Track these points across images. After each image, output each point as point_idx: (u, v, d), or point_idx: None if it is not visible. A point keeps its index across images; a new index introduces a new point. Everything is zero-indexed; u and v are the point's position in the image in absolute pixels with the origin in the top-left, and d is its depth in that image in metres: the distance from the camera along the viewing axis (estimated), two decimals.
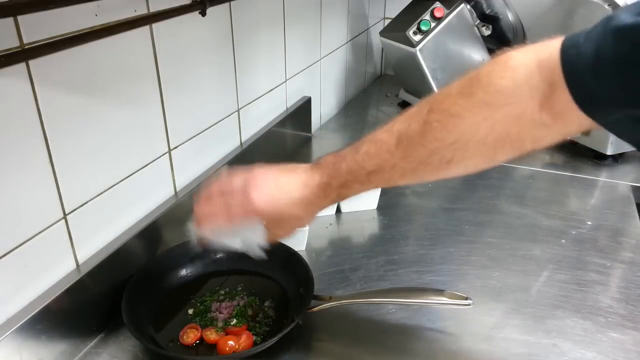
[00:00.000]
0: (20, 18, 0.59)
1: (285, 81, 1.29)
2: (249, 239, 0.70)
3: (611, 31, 0.45)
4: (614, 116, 0.48)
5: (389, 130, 0.61)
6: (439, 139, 0.56)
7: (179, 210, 0.92)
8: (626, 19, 0.44)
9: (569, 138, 0.56)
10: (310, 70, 1.42)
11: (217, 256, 0.90)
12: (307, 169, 0.67)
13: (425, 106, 0.58)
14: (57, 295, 0.69)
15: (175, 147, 0.92)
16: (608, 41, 0.45)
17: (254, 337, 0.76)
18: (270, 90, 1.23)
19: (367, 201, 1.09)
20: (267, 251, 0.75)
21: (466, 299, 0.76)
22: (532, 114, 0.52)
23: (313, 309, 0.77)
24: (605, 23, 0.47)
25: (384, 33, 1.57)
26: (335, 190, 0.65)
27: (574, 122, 0.51)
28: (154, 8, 0.79)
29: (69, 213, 0.72)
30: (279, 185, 0.67)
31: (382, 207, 1.10)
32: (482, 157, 0.58)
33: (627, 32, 0.44)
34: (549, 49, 0.51)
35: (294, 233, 0.71)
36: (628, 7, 0.46)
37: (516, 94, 0.52)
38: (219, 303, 0.82)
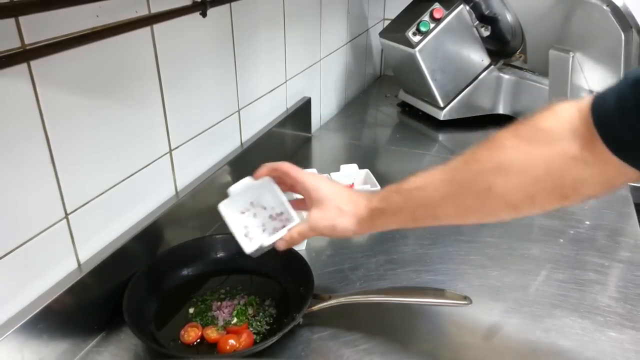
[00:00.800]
0: (21, 19, 0.60)
1: (285, 82, 1.29)
2: (290, 207, 0.75)
3: (631, 82, 0.50)
4: None
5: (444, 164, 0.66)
6: (481, 161, 0.61)
7: (180, 210, 0.92)
8: None
9: (615, 189, 0.59)
10: (310, 70, 1.42)
11: (218, 255, 0.91)
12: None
13: (479, 143, 0.63)
14: (58, 294, 0.69)
15: (176, 147, 0.92)
16: (628, 90, 0.50)
17: (255, 336, 0.76)
18: (271, 90, 1.23)
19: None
20: (268, 253, 0.76)
21: (465, 298, 0.77)
22: (574, 152, 0.55)
23: (313, 308, 0.77)
24: (626, 75, 0.52)
25: (383, 34, 1.57)
26: (377, 197, 0.70)
27: (613, 166, 0.53)
28: (155, 9, 0.79)
29: (71, 213, 0.72)
30: (342, 186, 0.76)
31: None
32: (524, 191, 0.58)
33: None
34: (587, 99, 0.55)
35: (327, 229, 0.72)
36: None
37: (558, 133, 0.56)
38: (219, 302, 0.82)
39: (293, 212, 0.75)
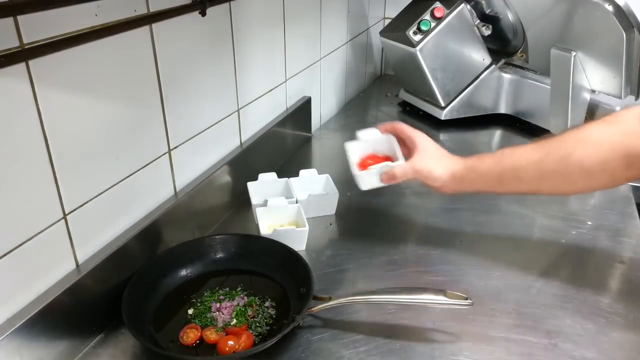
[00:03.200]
0: (20, 18, 0.59)
1: (285, 81, 1.29)
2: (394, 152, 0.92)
3: None
4: None
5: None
6: (566, 135, 0.78)
7: (179, 211, 0.92)
8: None
9: None
10: (310, 70, 1.42)
11: (217, 256, 0.90)
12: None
13: None
14: (57, 295, 0.69)
15: (175, 147, 0.91)
16: None
17: (254, 337, 0.76)
18: (270, 90, 1.23)
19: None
20: (268, 253, 0.76)
21: (466, 299, 0.76)
22: None
23: (313, 309, 0.77)
24: None
25: (384, 33, 1.57)
26: (472, 158, 0.86)
27: None
28: (153, 8, 0.78)
29: (69, 213, 0.72)
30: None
31: (382, 207, 1.10)
32: (598, 158, 0.73)
33: None
34: None
35: (425, 173, 0.88)
36: None
37: (631, 118, 0.74)
38: (218, 303, 0.82)
39: (401, 157, 0.90)
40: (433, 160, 0.88)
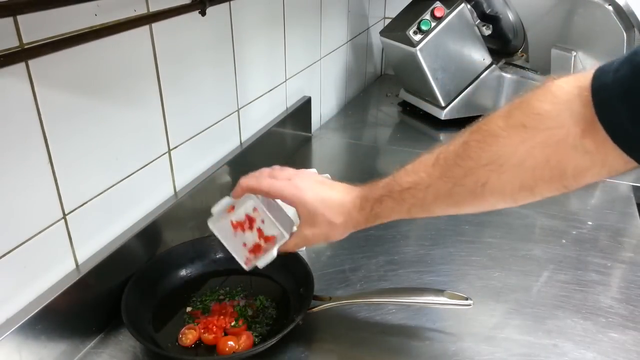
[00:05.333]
0: (20, 18, 0.59)
1: (285, 81, 1.29)
2: (276, 231, 0.72)
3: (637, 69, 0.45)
4: None
5: (431, 150, 0.62)
6: (474, 157, 0.56)
7: (179, 210, 0.92)
8: None
9: (617, 175, 0.55)
10: (310, 70, 1.42)
11: (217, 256, 0.90)
12: (351, 185, 0.70)
13: (470, 128, 0.59)
14: (56, 295, 0.69)
15: (175, 147, 0.91)
16: (637, 81, 0.45)
17: (254, 338, 0.75)
18: (270, 90, 1.22)
19: None
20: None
21: (466, 299, 0.76)
22: (574, 140, 0.50)
23: (313, 309, 0.77)
24: (632, 60, 0.46)
25: (384, 33, 1.57)
26: (370, 204, 0.66)
27: (616, 156, 0.49)
28: (153, 8, 0.78)
29: (69, 213, 0.72)
30: (324, 183, 0.70)
31: None
32: (521, 184, 0.55)
33: None
34: (587, 80, 0.50)
35: (320, 241, 0.71)
36: None
37: (556, 118, 0.51)
38: (219, 303, 0.82)
39: (281, 228, 0.71)
40: (323, 227, 0.68)
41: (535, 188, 0.55)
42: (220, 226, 0.74)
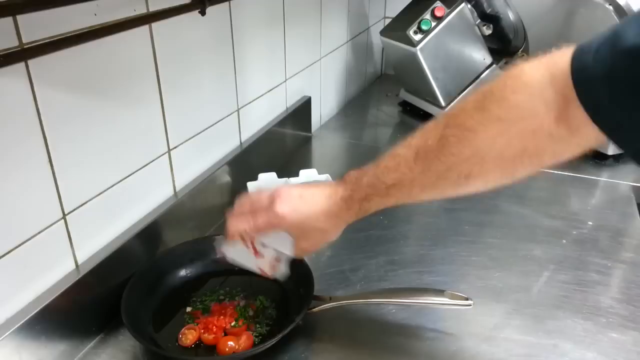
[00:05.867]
0: (19, 17, 0.59)
1: (285, 81, 1.28)
2: (277, 253, 0.75)
3: (621, 52, 0.45)
4: (632, 135, 0.48)
5: (407, 145, 0.62)
6: (455, 153, 0.57)
7: (179, 211, 0.92)
8: (634, 38, 0.44)
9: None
10: (310, 69, 1.42)
11: (217, 256, 0.90)
12: (332, 184, 0.70)
13: (442, 120, 0.59)
14: (56, 295, 0.69)
15: (175, 147, 0.91)
16: (618, 63, 0.45)
17: (254, 338, 0.75)
18: (270, 90, 1.22)
19: None
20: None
21: (467, 299, 0.76)
22: (549, 128, 0.52)
23: (313, 310, 0.77)
24: (613, 41, 0.46)
25: (384, 32, 1.56)
26: (357, 203, 0.66)
27: (592, 136, 0.50)
28: (153, 7, 0.78)
29: (69, 213, 0.72)
30: (303, 197, 0.69)
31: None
32: (502, 172, 0.58)
33: (635, 54, 0.44)
34: (561, 63, 0.50)
35: (320, 246, 0.73)
36: (631, 24, 0.46)
37: (531, 109, 0.52)
38: (219, 303, 0.82)
39: (282, 249, 0.74)
40: (316, 236, 0.70)
41: (515, 173, 0.58)
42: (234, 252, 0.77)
